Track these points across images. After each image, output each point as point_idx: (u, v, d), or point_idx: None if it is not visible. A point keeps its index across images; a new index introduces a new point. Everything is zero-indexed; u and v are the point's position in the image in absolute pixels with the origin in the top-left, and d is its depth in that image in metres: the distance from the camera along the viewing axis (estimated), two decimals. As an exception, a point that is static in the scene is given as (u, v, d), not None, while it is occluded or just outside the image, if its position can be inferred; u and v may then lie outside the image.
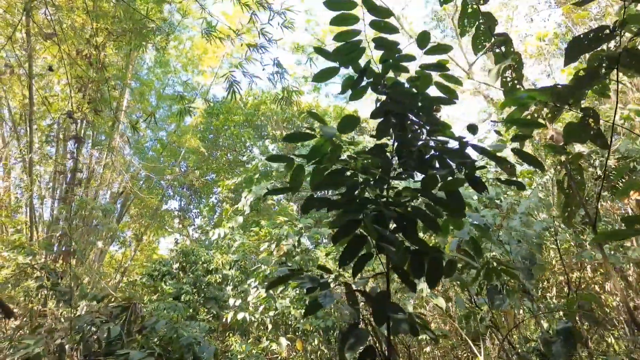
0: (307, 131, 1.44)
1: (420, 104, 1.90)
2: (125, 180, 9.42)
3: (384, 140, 2.06)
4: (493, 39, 2.52)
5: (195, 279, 8.87)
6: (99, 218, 7.41)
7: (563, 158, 1.92)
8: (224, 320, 7.90)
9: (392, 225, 1.82)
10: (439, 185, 1.51)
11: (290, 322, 8.10)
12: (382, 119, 1.98)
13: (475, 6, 2.51)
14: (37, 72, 9.30)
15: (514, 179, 1.74)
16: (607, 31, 1.64)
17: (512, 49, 2.43)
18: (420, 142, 1.89)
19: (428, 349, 8.53)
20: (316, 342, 8.17)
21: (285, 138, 1.60)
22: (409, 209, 1.66)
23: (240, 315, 7.41)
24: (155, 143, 14.42)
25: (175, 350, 3.09)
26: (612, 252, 7.12)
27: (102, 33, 5.40)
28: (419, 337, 7.97)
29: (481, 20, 2.51)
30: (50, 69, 6.63)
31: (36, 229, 9.77)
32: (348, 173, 1.68)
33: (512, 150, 1.49)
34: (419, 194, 1.69)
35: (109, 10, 5.42)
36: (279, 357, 8.25)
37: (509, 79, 2.40)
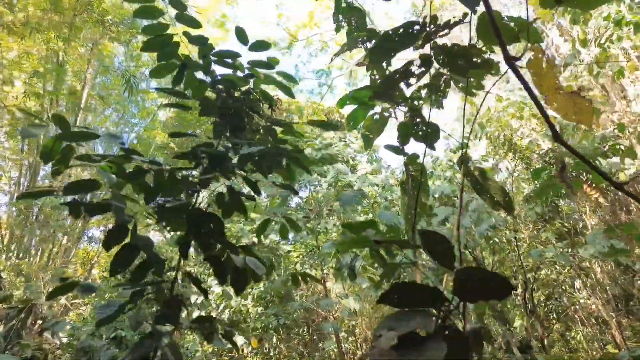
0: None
1: (251, 102, 1.81)
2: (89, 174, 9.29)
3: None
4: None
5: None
6: (53, 215, 7.30)
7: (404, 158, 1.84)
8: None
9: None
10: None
11: (248, 320, 8.04)
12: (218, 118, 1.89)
13: (348, 1, 2.42)
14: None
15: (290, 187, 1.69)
16: (418, 27, 1.54)
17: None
18: (251, 144, 1.79)
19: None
20: (275, 340, 8.12)
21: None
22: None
23: (195, 314, 7.33)
24: (130, 138, 14.29)
25: (74, 353, 3.01)
26: (567, 250, 7.07)
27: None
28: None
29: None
30: None
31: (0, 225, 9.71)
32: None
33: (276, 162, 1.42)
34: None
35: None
36: (237, 355, 8.20)
37: (376, 78, 2.30)
